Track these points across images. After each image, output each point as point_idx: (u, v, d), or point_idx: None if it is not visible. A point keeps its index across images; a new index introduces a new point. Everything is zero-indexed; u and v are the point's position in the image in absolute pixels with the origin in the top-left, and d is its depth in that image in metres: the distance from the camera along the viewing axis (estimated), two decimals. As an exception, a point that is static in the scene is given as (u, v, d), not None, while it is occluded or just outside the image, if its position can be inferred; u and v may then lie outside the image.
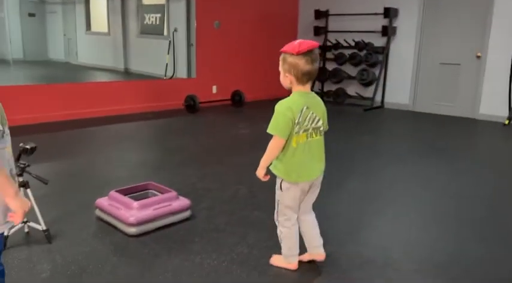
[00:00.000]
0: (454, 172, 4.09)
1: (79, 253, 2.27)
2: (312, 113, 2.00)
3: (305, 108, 1.98)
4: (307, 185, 2.07)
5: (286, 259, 2.19)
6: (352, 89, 8.20)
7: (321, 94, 8.48)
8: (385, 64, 7.85)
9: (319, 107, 2.06)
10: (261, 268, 2.20)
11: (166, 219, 2.61)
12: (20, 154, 2.23)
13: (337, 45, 8.25)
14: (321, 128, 2.07)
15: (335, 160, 4.39)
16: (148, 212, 2.52)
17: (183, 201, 2.73)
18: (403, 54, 7.70)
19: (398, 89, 7.83)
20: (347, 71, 8.21)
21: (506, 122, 6.64)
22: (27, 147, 2.21)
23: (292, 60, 1.93)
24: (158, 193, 2.78)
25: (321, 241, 2.22)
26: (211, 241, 2.48)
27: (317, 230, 2.22)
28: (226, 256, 2.31)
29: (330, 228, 2.73)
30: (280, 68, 2.00)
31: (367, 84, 8.03)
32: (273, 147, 1.99)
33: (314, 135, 2.03)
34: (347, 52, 8.16)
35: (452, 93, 7.34)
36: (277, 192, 2.09)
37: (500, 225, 2.87)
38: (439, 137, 5.71)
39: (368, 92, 8.03)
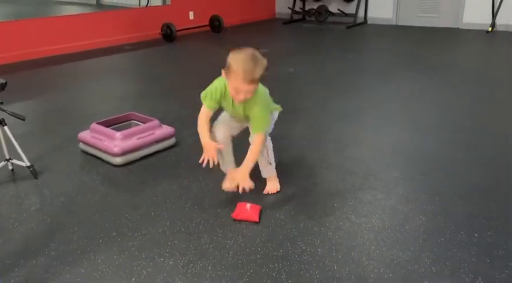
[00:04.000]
0: (439, 84, 4.09)
1: (67, 186, 2.30)
2: None
3: None
4: None
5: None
6: (335, 5, 7.92)
7: (303, 13, 8.20)
8: (367, -23, 7.53)
9: None
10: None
11: (151, 147, 2.61)
12: (-10, 92, 2.16)
13: (317, -41, 7.83)
14: None
15: (319, 79, 4.35)
16: (132, 141, 2.51)
17: (167, 129, 2.72)
18: (385, -35, 7.36)
19: (381, 3, 7.59)
20: (328, -13, 7.89)
21: (490, 29, 6.56)
22: (-3, 83, 2.13)
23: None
24: (141, 123, 2.76)
25: None
26: (198, 166, 2.48)
27: None
28: (213, 179, 2.34)
29: (315, 144, 2.77)
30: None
31: (349, -1, 7.75)
32: (262, 144, 2.00)
33: None
34: (327, -34, 7.78)
35: (435, 4, 7.14)
36: None
37: (483, 133, 2.93)
38: (424, 50, 5.64)
39: (350, 8, 7.78)
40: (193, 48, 6.13)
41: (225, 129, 2.13)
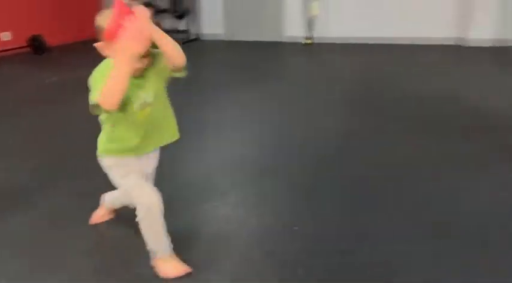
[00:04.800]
0: (267, 94, 4.37)
1: None
2: None
3: None
4: None
5: None
6: (168, 22, 7.96)
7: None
8: (195, -6, 7.77)
9: None
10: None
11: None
12: None
13: (144, -23, 7.79)
14: None
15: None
16: None
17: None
18: (210, -17, 7.71)
19: (212, 20, 7.90)
20: (159, 4, 7.89)
21: (308, 41, 7.34)
22: None
23: None
24: None
25: None
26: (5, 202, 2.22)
27: None
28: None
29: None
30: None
31: (180, 16, 7.88)
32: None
33: None
34: (155, -16, 7.79)
35: (259, 20, 7.72)
36: None
37: (303, 141, 3.16)
38: (252, 63, 6.02)
39: (183, 25, 7.91)
40: (10, 73, 5.48)
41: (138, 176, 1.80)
